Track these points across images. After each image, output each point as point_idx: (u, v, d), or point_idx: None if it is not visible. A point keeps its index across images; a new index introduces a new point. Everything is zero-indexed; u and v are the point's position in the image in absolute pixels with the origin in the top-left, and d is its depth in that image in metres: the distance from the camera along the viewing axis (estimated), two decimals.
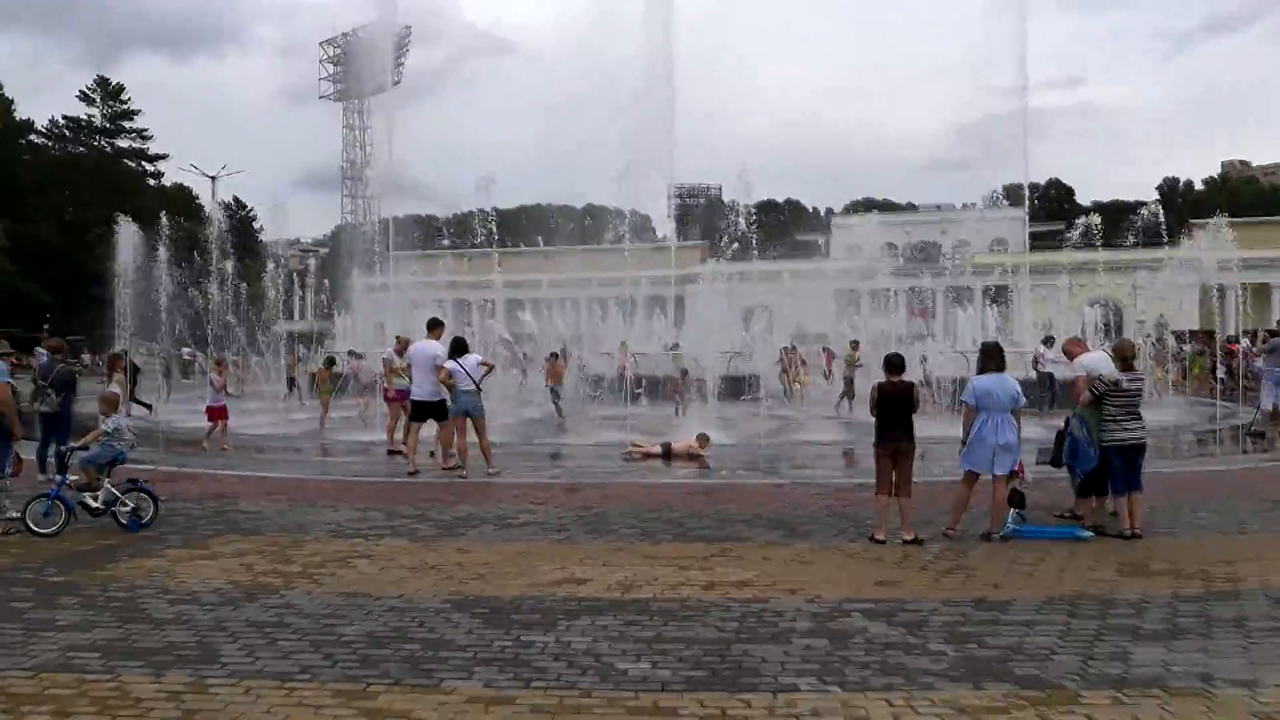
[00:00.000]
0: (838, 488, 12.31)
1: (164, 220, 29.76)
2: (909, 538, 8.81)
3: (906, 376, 9.37)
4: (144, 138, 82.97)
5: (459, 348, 13.55)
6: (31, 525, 9.31)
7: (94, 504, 9.65)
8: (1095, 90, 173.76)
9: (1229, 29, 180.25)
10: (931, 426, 13.65)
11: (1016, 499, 9.26)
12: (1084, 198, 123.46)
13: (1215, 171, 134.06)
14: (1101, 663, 5.67)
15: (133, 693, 5.18)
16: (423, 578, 7.72)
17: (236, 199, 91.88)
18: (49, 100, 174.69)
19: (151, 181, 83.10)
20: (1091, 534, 9.12)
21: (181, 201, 79.90)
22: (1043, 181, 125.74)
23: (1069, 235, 54.11)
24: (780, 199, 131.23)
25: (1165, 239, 65.13)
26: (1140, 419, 9.35)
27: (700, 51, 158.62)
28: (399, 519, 10.26)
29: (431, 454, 14.32)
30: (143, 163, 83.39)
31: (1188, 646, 5.97)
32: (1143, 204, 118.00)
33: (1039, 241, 76.90)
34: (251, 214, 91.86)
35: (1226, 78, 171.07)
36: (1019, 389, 9.11)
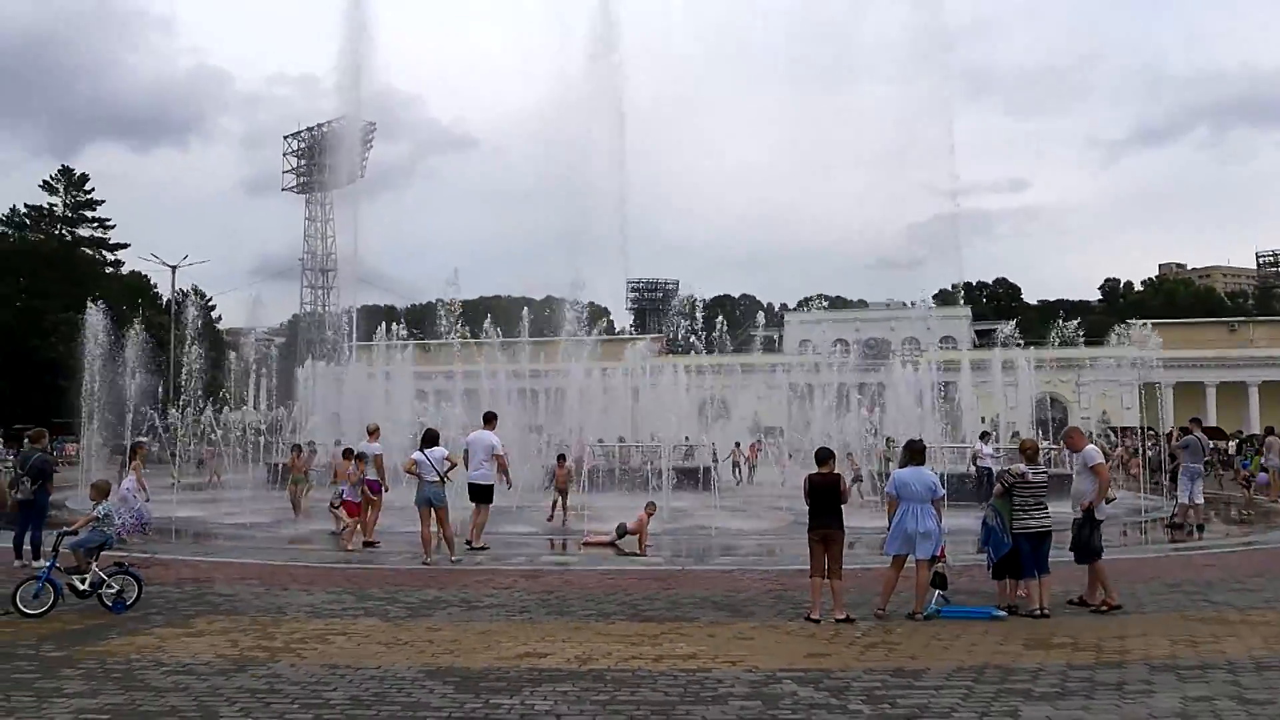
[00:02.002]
0: (780, 572, 13.16)
1: (125, 310, 30.54)
2: (841, 616, 9.70)
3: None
4: (105, 227, 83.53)
5: (429, 440, 14.39)
6: (22, 607, 9.87)
7: (81, 586, 10.23)
8: (1039, 193, 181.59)
9: (1158, 140, 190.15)
10: (869, 518, 14.66)
11: (939, 581, 10.22)
12: (1030, 296, 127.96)
13: (1153, 273, 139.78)
14: (993, 718, 6.57)
15: None
16: (397, 652, 8.45)
17: (195, 288, 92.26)
18: (7, 188, 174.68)
19: (110, 270, 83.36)
20: (1005, 614, 10.08)
21: (140, 291, 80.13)
22: (990, 280, 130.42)
23: (1009, 334, 56.41)
24: (735, 294, 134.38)
25: (1106, 338, 68.01)
26: (1045, 508, 10.40)
27: (658, 149, 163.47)
28: (370, 601, 10.95)
29: (469, 543, 15.26)
30: (103, 252, 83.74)
31: (1070, 705, 6.89)
32: (1085, 303, 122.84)
33: (986, 339, 79.65)
34: (210, 303, 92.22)
35: (1161, 183, 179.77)
36: (936, 481, 10.16)
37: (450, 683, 7.38)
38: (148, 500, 15.41)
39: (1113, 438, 44.05)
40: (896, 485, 10.00)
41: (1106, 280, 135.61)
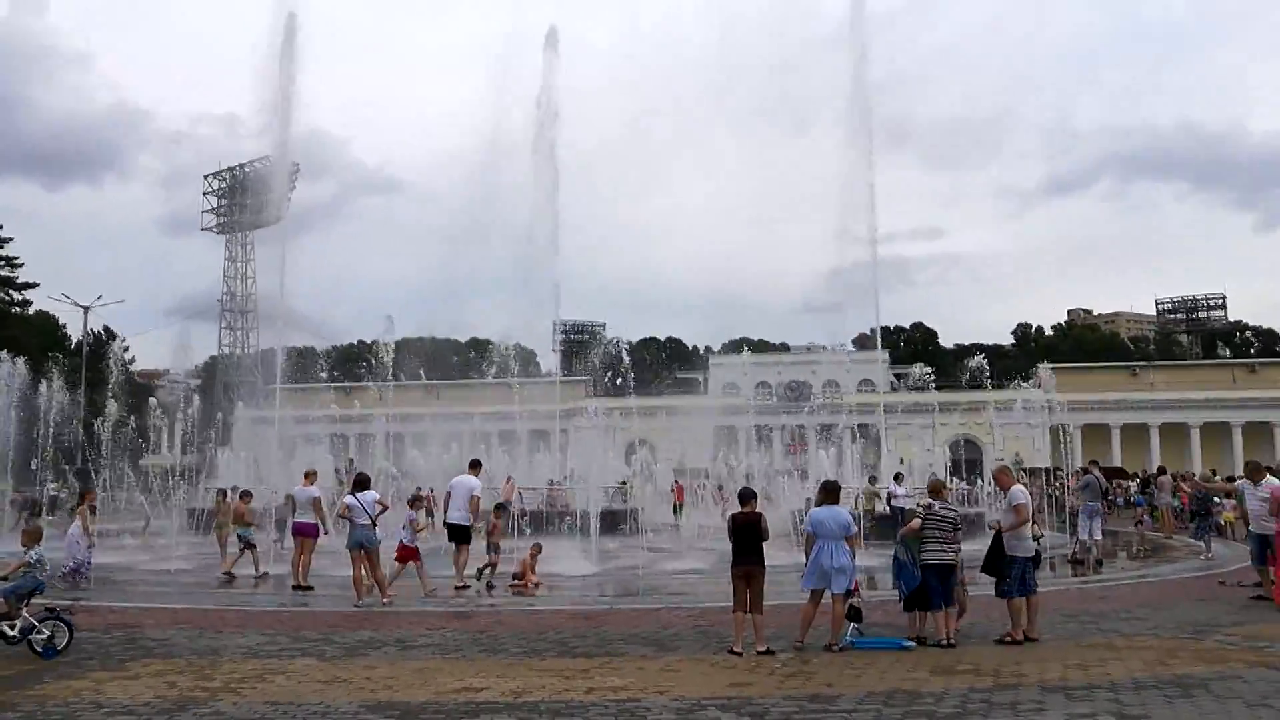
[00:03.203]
0: (705, 609, 13.66)
1: (34, 353, 30.00)
2: (762, 649, 10.25)
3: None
4: (13, 265, 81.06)
5: (360, 484, 14.62)
6: None
7: (10, 632, 10.23)
8: (956, 241, 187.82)
9: (1066, 190, 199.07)
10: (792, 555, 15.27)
11: (853, 614, 10.86)
12: (946, 340, 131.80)
13: (1062, 318, 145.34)
14: None
15: None
16: (336, 689, 8.72)
17: (107, 329, 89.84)
18: None
19: (17, 310, 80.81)
20: (914, 644, 10.74)
21: (48, 331, 77.96)
22: (908, 325, 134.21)
23: (919, 377, 58.38)
24: (661, 336, 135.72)
25: (1016, 381, 70.56)
26: (954, 543, 11.13)
27: (587, 193, 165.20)
28: (306, 642, 11.14)
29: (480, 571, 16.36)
30: (9, 291, 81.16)
31: None
32: (999, 347, 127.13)
33: (904, 381, 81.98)
34: (125, 345, 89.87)
35: (1069, 232, 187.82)
36: (850, 519, 10.84)
37: (391, 716, 7.70)
38: (91, 546, 15.29)
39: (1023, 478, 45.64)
40: (812, 523, 10.65)
41: (1019, 325, 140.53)
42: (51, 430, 31.66)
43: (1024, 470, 53.23)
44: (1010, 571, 11.06)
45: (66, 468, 33.58)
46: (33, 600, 10.61)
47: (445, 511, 16.77)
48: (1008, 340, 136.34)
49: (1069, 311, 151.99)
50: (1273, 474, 15.41)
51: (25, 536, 11.15)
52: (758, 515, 10.68)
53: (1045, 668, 9.55)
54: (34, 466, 30.54)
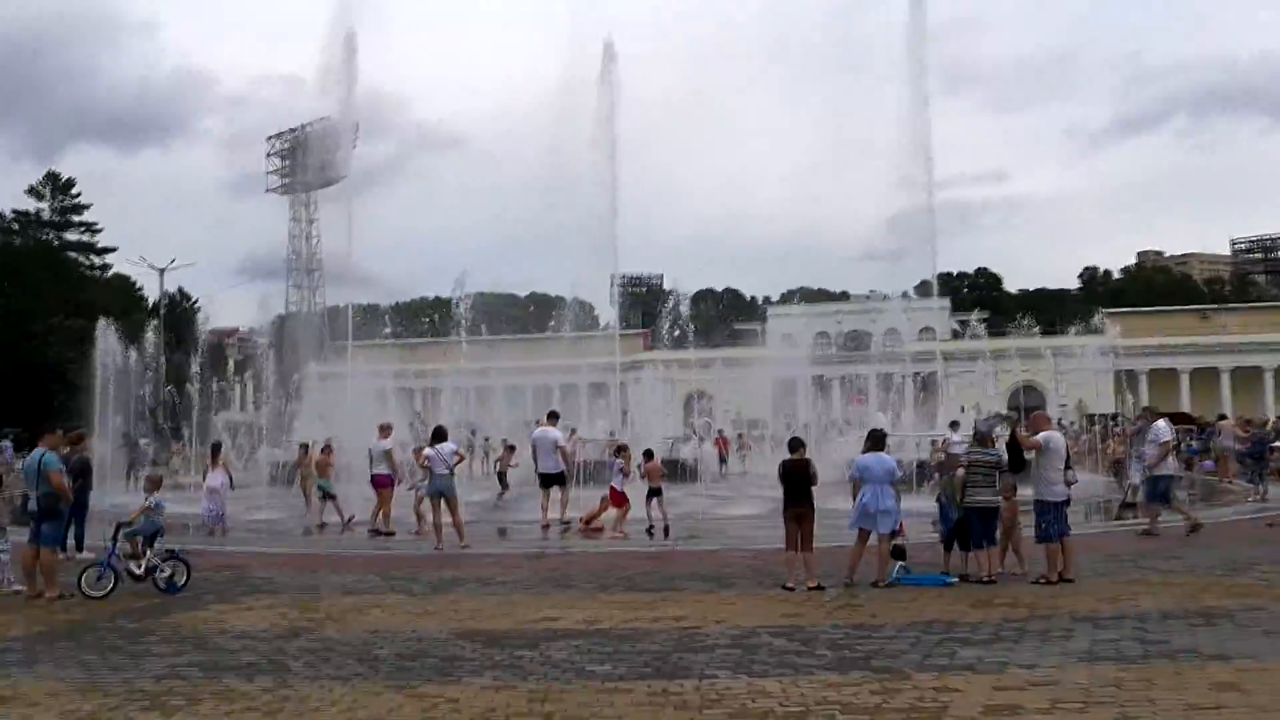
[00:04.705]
0: (760, 550, 14.49)
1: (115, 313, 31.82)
2: (812, 585, 11.07)
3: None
4: (93, 231, 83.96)
5: (438, 436, 15.68)
6: (86, 590, 11.11)
7: (138, 571, 11.48)
8: (1020, 184, 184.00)
9: (1137, 129, 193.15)
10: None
11: (898, 553, 11.61)
12: (1011, 285, 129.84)
13: (1131, 261, 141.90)
14: (934, 659, 7.93)
15: (236, 689, 7.17)
16: (427, 619, 9.76)
17: (181, 290, 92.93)
18: None
19: (98, 274, 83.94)
20: (956, 580, 11.47)
21: (125, 293, 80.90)
22: (971, 270, 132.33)
23: (975, 324, 58.07)
24: (719, 288, 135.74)
25: (1085, 326, 69.61)
26: (994, 487, 11.75)
27: (641, 141, 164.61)
28: (395, 580, 12.27)
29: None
30: (91, 255, 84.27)
31: (1000, 647, 8.27)
32: (1065, 292, 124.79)
33: (966, 328, 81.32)
34: (196, 305, 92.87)
35: (1139, 173, 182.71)
36: (894, 464, 11.56)
37: (478, 640, 8.70)
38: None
39: (1078, 424, 45.49)
40: (859, 468, 11.40)
41: (1086, 269, 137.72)
42: (146, 390, 33.55)
43: (1086, 416, 52.99)
44: (1044, 515, 11.63)
45: (165, 425, 35.50)
46: (155, 542, 11.81)
47: (536, 463, 18.31)
48: (1074, 285, 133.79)
49: (1139, 254, 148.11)
50: None
51: (147, 483, 12.39)
52: (806, 461, 11.42)
53: (1078, 601, 10.22)
54: (123, 425, 32.36)
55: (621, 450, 18.21)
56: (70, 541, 14.76)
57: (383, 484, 17.81)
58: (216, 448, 19.61)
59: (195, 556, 14.62)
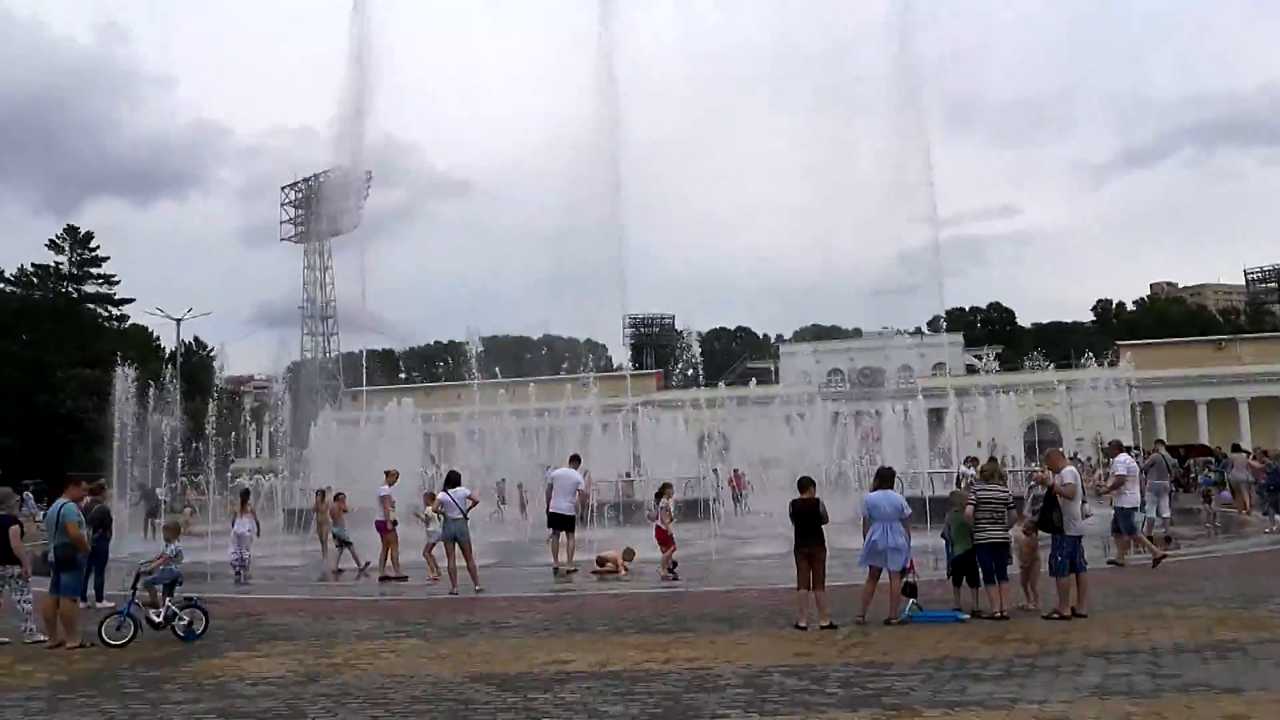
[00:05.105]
0: (773, 589, 14.50)
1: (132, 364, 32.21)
2: (825, 623, 11.10)
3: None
4: (110, 283, 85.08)
5: (451, 481, 15.81)
6: (106, 638, 11.24)
7: (157, 619, 11.62)
8: (1030, 218, 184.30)
9: (1143, 161, 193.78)
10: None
11: (910, 590, 11.64)
12: (1024, 319, 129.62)
13: (1145, 292, 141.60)
14: (945, 695, 7.97)
15: None
16: (442, 663, 9.84)
17: (196, 339, 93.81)
18: (7, 244, 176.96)
19: (115, 325, 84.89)
20: (968, 616, 11.48)
21: (141, 343, 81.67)
22: (984, 305, 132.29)
23: (988, 360, 57.94)
24: (731, 326, 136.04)
25: (1098, 359, 69.29)
26: (1002, 523, 11.80)
27: (653, 186, 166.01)
28: (410, 625, 12.35)
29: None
30: (108, 306, 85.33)
31: (1011, 683, 8.30)
32: (1079, 324, 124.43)
33: (981, 363, 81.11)
34: (211, 354, 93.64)
35: (1148, 205, 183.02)
36: (903, 502, 11.62)
37: (492, 684, 8.78)
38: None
39: (1094, 459, 45.17)
40: (868, 505, 11.47)
41: (1099, 301, 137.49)
42: (165, 439, 33.88)
43: (1102, 449, 52.63)
44: (1061, 548, 11.63)
45: (185, 476, 35.85)
46: (174, 590, 11.94)
47: (549, 502, 18.25)
48: (1088, 317, 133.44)
49: (1152, 285, 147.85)
50: None
51: (167, 532, 12.57)
52: (816, 500, 11.50)
53: (1091, 636, 10.22)
54: (137, 474, 32.67)
55: (665, 490, 17.88)
56: (90, 591, 14.95)
57: (382, 529, 18.06)
58: (245, 495, 20.02)
59: (212, 604, 14.82)
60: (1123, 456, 17.61)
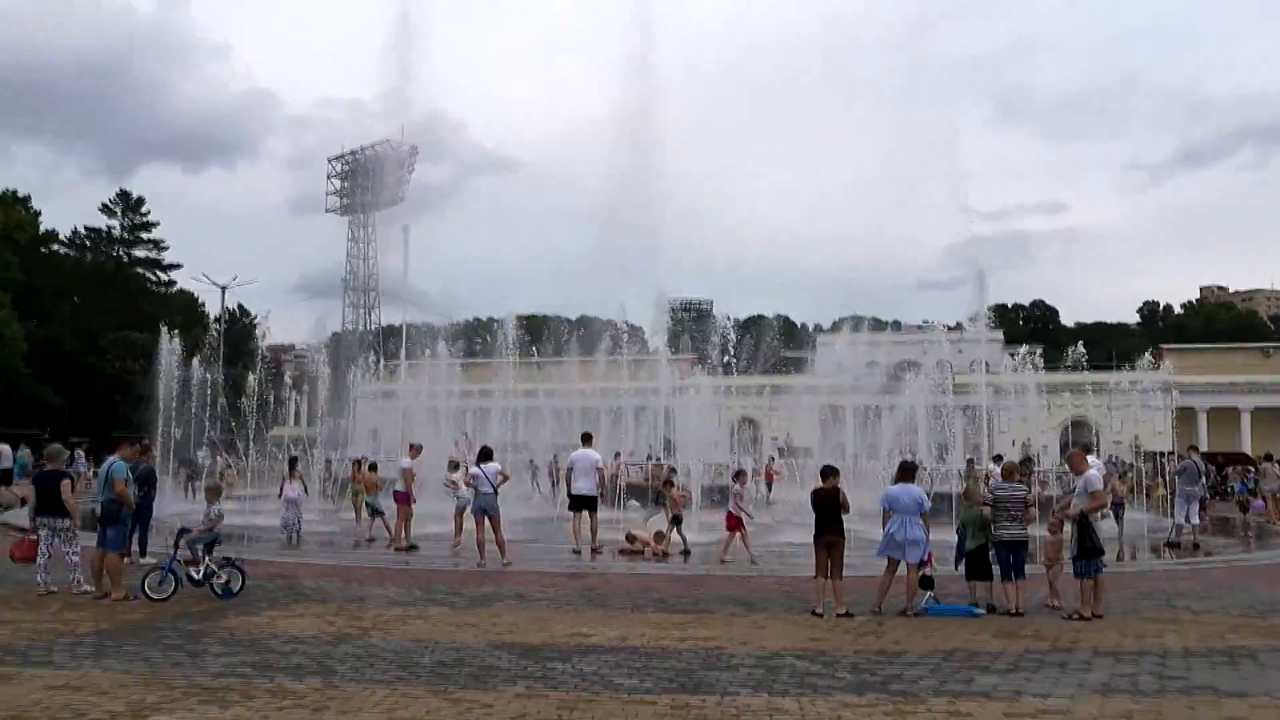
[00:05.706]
0: (793, 576, 14.75)
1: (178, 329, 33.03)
2: (841, 611, 11.33)
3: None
4: (160, 248, 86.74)
5: (484, 455, 16.20)
6: (149, 592, 11.76)
7: (196, 576, 12.11)
8: (1079, 215, 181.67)
9: (1199, 162, 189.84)
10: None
11: (926, 582, 11.83)
12: (1068, 319, 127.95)
13: (1194, 295, 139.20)
14: (951, 684, 8.19)
15: (286, 687, 7.68)
16: (467, 631, 10.21)
17: (240, 306, 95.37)
18: (62, 207, 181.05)
19: (163, 290, 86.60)
20: (983, 611, 11.65)
21: (187, 309, 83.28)
22: (1027, 303, 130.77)
23: (1023, 357, 57.40)
24: (770, 314, 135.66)
25: (1127, 363, 68.29)
26: (1018, 521, 11.92)
27: (694, 166, 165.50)
28: (437, 594, 12.76)
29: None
30: (157, 271, 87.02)
31: (1016, 677, 8.49)
32: (1124, 326, 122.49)
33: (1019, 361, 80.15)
34: (254, 321, 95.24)
35: (1202, 206, 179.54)
36: (923, 496, 11.79)
37: (513, 652, 9.13)
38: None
39: (1123, 463, 44.51)
40: (887, 499, 11.67)
41: (1145, 303, 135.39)
42: (206, 405, 34.75)
43: (1137, 453, 52.09)
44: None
45: (217, 438, 36.72)
46: (214, 549, 12.44)
47: (569, 483, 18.22)
48: (1133, 319, 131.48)
49: (1202, 289, 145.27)
50: None
51: (208, 493, 13.06)
52: (836, 490, 11.71)
53: (1103, 636, 10.36)
54: (180, 438, 33.54)
55: (740, 475, 18.01)
56: (134, 546, 15.55)
57: (398, 499, 18.56)
58: (294, 462, 20.77)
59: (250, 565, 15.36)
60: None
